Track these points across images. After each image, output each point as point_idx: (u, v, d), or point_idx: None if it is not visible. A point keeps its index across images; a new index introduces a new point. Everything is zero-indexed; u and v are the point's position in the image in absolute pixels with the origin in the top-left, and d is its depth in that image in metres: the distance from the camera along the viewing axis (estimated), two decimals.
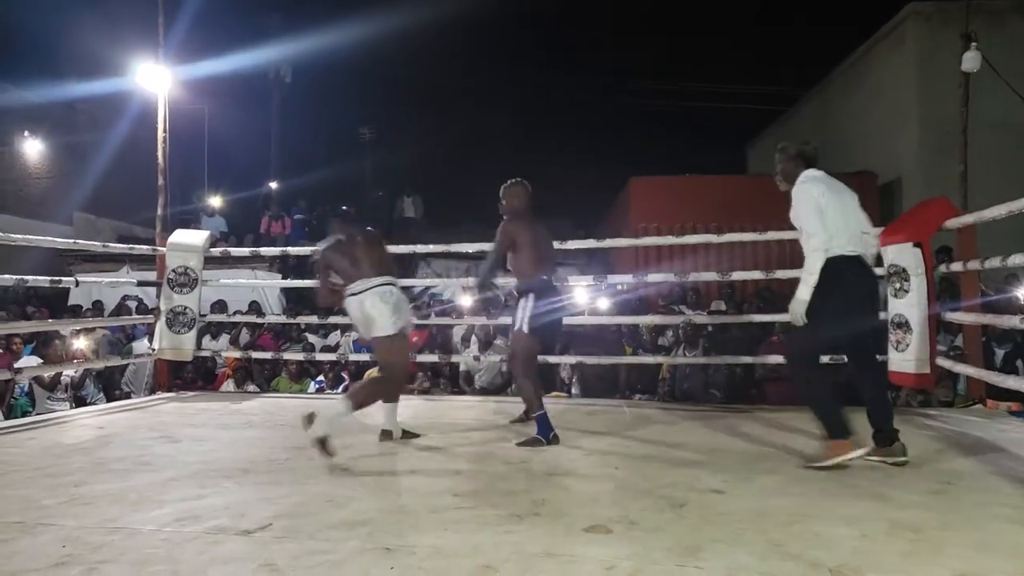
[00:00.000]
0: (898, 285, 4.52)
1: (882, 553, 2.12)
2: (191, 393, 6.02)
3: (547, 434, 3.69)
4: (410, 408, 5.19)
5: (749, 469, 3.13)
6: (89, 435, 4.15)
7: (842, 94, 14.01)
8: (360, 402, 3.48)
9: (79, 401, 7.07)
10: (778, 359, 5.24)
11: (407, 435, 3.86)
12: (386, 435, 3.81)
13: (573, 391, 6.52)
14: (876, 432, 3.21)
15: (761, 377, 5.89)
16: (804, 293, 3.20)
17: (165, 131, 7.38)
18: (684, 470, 3.12)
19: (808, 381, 3.28)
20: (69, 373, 6.91)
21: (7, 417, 6.20)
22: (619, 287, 7.39)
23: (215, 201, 17.09)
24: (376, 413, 3.82)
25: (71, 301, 10.62)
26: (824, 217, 3.20)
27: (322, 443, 3.24)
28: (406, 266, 13.19)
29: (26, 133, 15.74)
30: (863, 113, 13.04)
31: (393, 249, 8.14)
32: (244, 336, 8.97)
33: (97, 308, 9.53)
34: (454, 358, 6.73)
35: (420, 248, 6.89)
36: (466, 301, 8.42)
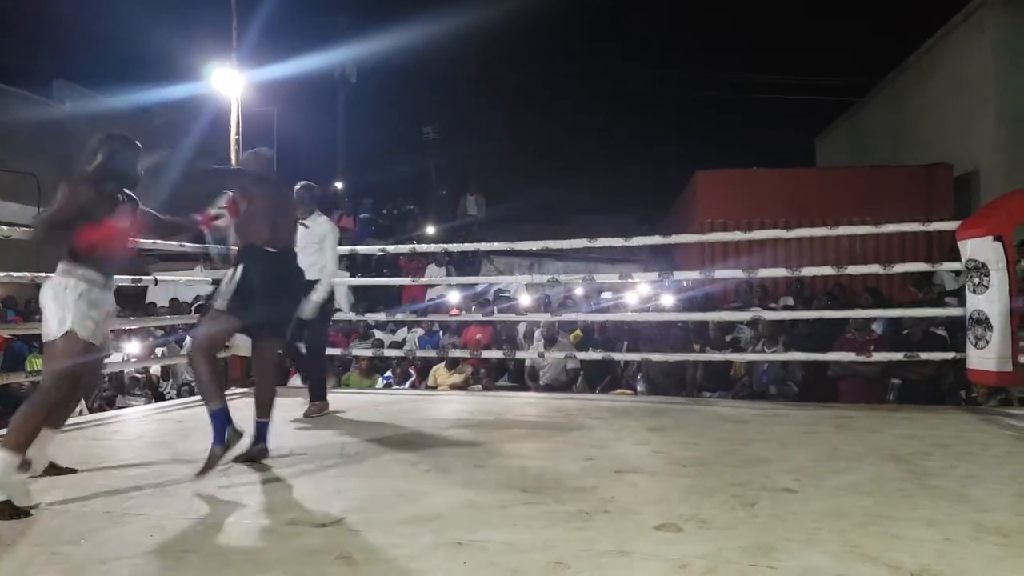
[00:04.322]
0: (977, 280, 4.33)
1: (968, 558, 2.03)
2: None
3: (223, 436, 3.06)
4: (473, 403, 5.26)
5: (822, 468, 3.05)
6: (169, 428, 4.35)
7: (915, 83, 13.44)
8: (17, 443, 2.69)
9: (157, 397, 7.42)
10: (851, 356, 5.10)
11: (56, 470, 3.06)
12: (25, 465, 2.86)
13: (639, 388, 6.47)
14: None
15: (834, 374, 5.72)
16: (321, 297, 4.47)
17: (238, 133, 7.63)
18: (755, 468, 3.06)
19: (319, 357, 4.94)
20: (153, 370, 7.28)
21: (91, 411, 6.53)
22: (684, 283, 7.29)
23: None
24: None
25: (148, 299, 11.13)
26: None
27: (7, 508, 2.52)
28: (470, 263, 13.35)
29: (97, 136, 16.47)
30: (938, 103, 12.48)
31: (457, 247, 8.39)
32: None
33: (174, 306, 9.94)
34: (518, 354, 6.76)
35: (484, 246, 6.97)
36: (527, 299, 8.45)
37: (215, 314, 3.24)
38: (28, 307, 10.02)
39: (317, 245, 4.70)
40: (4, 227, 4.39)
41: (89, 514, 2.58)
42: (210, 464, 2.99)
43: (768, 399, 5.59)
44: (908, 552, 2.06)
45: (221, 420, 3.06)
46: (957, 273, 5.06)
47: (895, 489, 2.71)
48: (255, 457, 3.29)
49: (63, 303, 2.80)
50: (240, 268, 3.23)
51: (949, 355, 4.76)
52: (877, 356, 5.03)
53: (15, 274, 4.53)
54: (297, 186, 5.10)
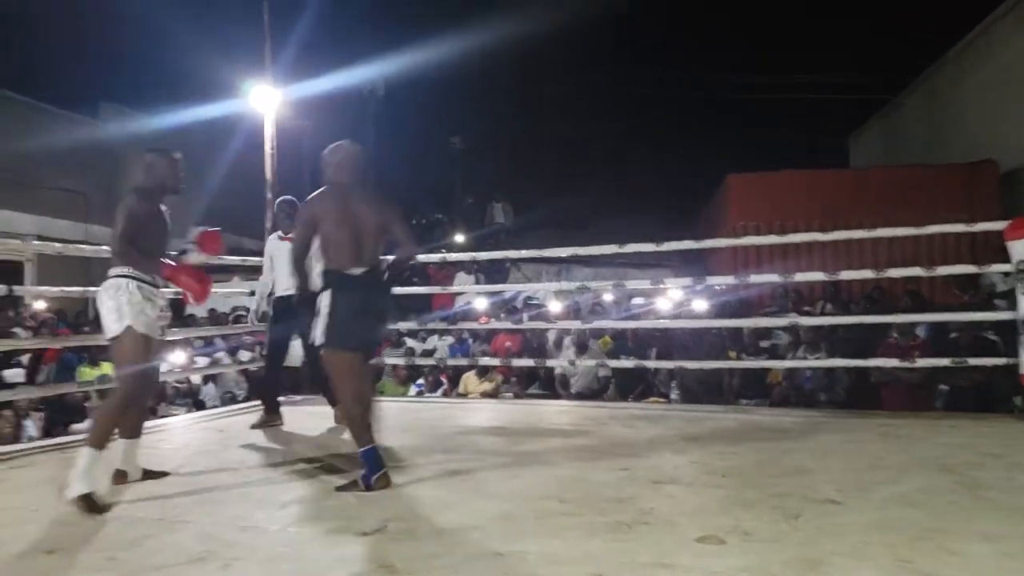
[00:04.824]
0: None
1: None
2: (299, 397, 6.28)
3: (370, 478, 2.98)
4: (505, 412, 5.27)
5: (866, 478, 2.99)
6: (213, 437, 4.43)
7: (955, 79, 13.13)
8: (97, 440, 2.89)
9: (198, 405, 7.56)
10: (894, 362, 4.98)
11: (150, 475, 3.25)
12: (120, 475, 3.16)
13: (673, 396, 6.40)
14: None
15: (877, 380, 5.58)
16: None
17: (273, 148, 7.76)
18: (796, 479, 3.01)
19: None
20: (196, 380, 7.44)
21: None
22: (717, 288, 7.21)
23: None
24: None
25: (188, 311, 11.35)
26: None
27: (86, 501, 2.73)
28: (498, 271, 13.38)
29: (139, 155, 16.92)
30: (981, 98, 12.17)
31: (485, 255, 8.41)
32: None
33: (212, 317, 10.12)
34: (549, 362, 6.75)
35: (512, 253, 6.98)
36: (556, 306, 8.43)
37: (330, 355, 3.11)
38: (78, 319, 10.31)
39: (307, 260, 4.65)
40: (56, 244, 4.54)
41: (142, 520, 2.65)
42: (348, 488, 2.97)
43: (815, 406, 5.49)
44: (964, 569, 2.00)
45: (371, 461, 3.00)
46: (1006, 274, 4.91)
47: (946, 501, 2.63)
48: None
49: (118, 301, 3.00)
50: (328, 297, 3.10)
51: (1000, 360, 4.61)
52: (922, 362, 4.91)
53: (67, 288, 4.68)
54: (277, 202, 5.19)
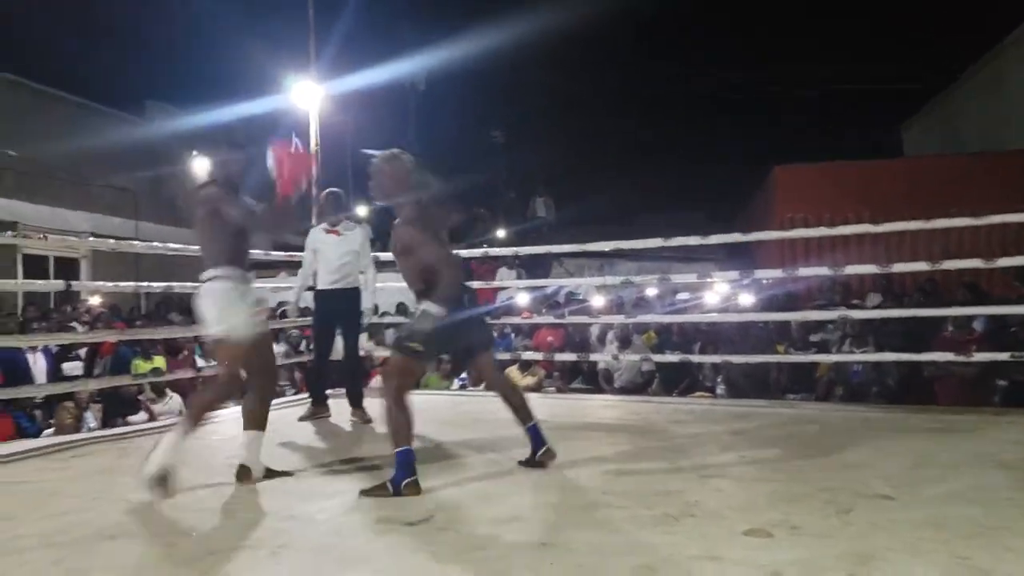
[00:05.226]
0: None
1: None
2: (342, 390, 6.36)
3: (400, 482, 2.82)
4: (549, 406, 5.25)
5: (919, 474, 2.91)
6: None
7: (1016, 65, 12.62)
8: (191, 423, 2.98)
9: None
10: (950, 356, 4.83)
11: (272, 474, 3.17)
12: (244, 472, 3.10)
13: (718, 391, 6.32)
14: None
15: (931, 375, 5.42)
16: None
17: (317, 144, 7.87)
18: (846, 474, 2.95)
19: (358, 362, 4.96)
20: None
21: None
22: (764, 282, 7.08)
23: (361, 209, 18.02)
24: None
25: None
26: None
27: (157, 479, 2.75)
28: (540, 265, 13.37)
29: (194, 152, 17.40)
30: None
31: (527, 250, 8.40)
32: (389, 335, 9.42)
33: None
34: (592, 356, 6.72)
35: (555, 248, 6.96)
36: (599, 300, 8.39)
37: (413, 356, 3.03)
38: (131, 314, 10.64)
39: (353, 254, 4.67)
40: (111, 240, 4.69)
41: (196, 510, 2.73)
42: (374, 493, 2.83)
43: (865, 401, 5.35)
44: (1023, 565, 1.94)
45: (404, 465, 2.85)
46: None
47: (1004, 499, 2.55)
48: (544, 463, 3.16)
49: (220, 305, 3.03)
50: (432, 315, 2.95)
51: None
52: (979, 356, 4.74)
53: (122, 283, 4.83)
54: (323, 193, 5.05)
